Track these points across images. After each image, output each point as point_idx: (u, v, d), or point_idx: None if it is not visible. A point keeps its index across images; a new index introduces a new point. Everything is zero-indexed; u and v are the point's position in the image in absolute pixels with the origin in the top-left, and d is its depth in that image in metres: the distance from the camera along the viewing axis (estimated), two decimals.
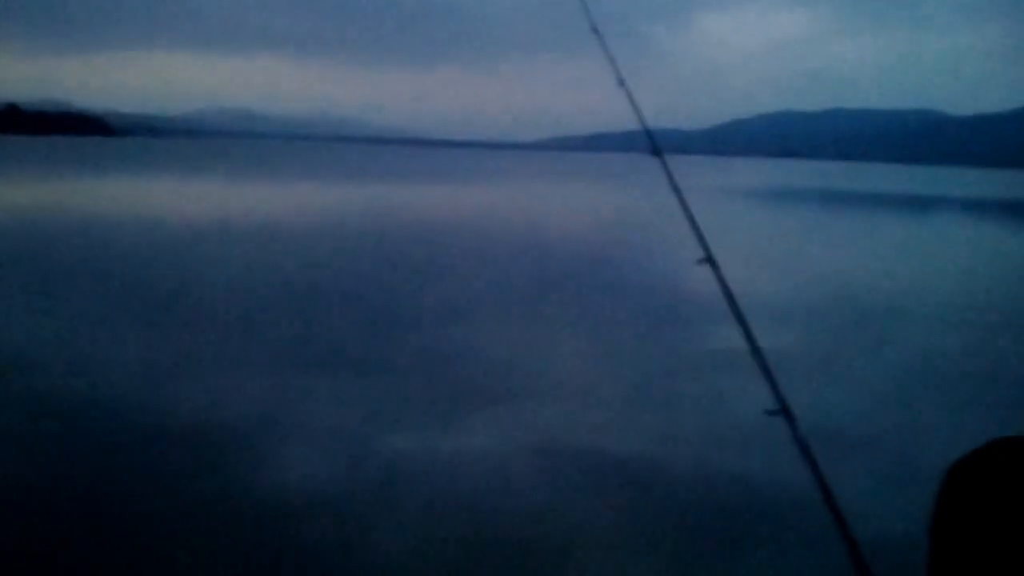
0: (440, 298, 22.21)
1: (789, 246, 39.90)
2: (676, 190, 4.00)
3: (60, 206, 49.35)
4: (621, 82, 4.50)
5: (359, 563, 8.21)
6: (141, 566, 8.05)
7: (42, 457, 10.77)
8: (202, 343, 16.69)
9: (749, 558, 8.41)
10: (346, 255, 30.92)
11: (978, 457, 1.26)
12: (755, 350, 3.24)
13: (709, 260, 3.73)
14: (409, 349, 16.68)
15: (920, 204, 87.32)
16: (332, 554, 8.36)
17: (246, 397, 13.33)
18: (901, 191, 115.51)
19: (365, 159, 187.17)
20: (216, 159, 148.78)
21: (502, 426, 12.37)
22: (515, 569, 8.23)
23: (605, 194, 78.61)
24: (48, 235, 34.51)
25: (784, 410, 2.86)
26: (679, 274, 24.18)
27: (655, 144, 4.14)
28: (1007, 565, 1.15)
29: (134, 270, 25.34)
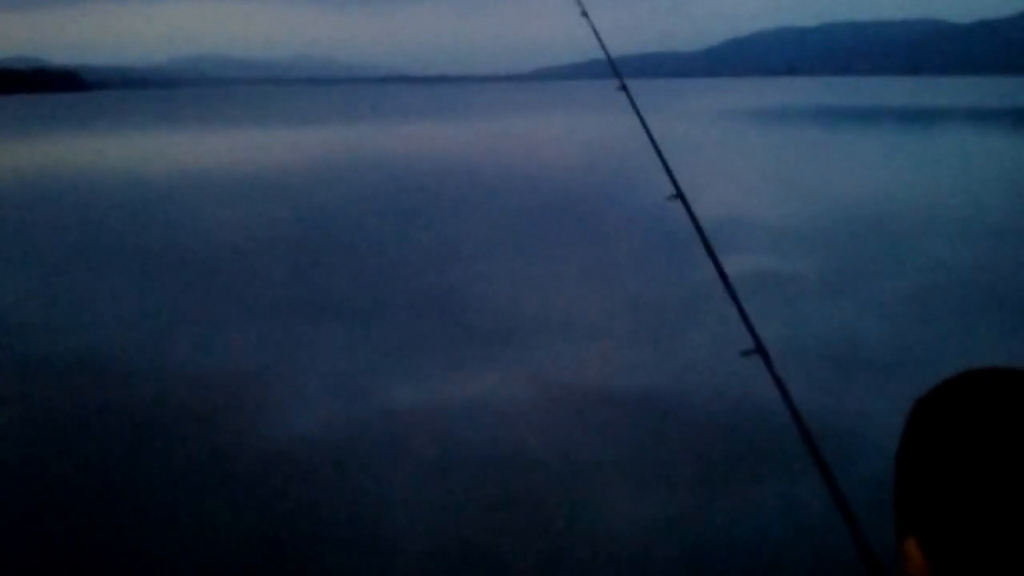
0: (432, 239, 22.04)
1: (791, 166, 39.44)
2: (643, 124, 3.60)
3: (39, 165, 49.16)
4: (584, 13, 4.08)
5: (366, 514, 8.10)
6: (142, 522, 7.97)
7: (37, 415, 10.70)
8: (196, 296, 16.53)
9: (747, 491, 8.20)
10: (335, 199, 30.78)
11: (946, 389, 1.24)
12: (729, 290, 3.25)
13: (679, 196, 3.48)
14: (405, 292, 16.55)
15: (925, 116, 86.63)
16: (338, 505, 8.26)
17: (244, 349, 13.21)
18: (905, 104, 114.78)
19: (345, 99, 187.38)
20: (195, 108, 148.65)
21: (501, 366, 12.23)
22: (522, 509, 8.12)
23: (588, 125, 77.88)
24: (30, 195, 34.37)
25: (759, 349, 2.91)
26: (667, 206, 23.75)
27: (619, 76, 3.73)
28: (970, 499, 1.13)
29: (122, 226, 25.17)
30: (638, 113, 3.75)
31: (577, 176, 36.10)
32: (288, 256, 20.03)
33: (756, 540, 7.56)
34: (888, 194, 28.79)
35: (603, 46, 3.90)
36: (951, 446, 1.17)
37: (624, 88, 3.83)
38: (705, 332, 13.05)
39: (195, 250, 21.03)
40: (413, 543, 7.60)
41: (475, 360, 12.59)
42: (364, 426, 10.23)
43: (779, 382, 2.77)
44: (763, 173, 36.60)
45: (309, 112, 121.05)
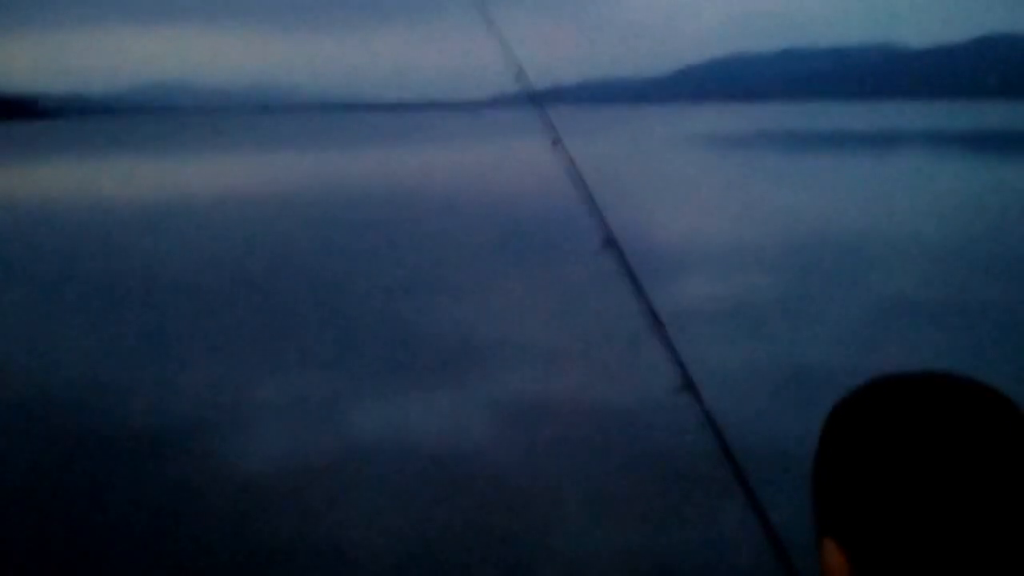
0: (395, 265, 22.14)
1: (748, 192, 39.53)
2: (579, 175, 3.61)
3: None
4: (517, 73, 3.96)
5: (329, 540, 8.15)
6: (108, 551, 8.01)
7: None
8: (157, 325, 16.51)
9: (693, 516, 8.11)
10: (296, 226, 30.78)
11: (861, 394, 1.27)
12: (659, 327, 3.28)
13: (612, 243, 3.50)
14: (368, 319, 16.66)
15: (882, 141, 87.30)
16: (303, 529, 8.31)
17: (206, 375, 13.26)
18: (861, 128, 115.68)
19: (306, 126, 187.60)
20: (153, 136, 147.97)
21: (465, 392, 12.37)
22: (486, 536, 8.21)
23: (545, 153, 78.22)
24: None
25: (690, 386, 2.94)
26: (630, 229, 23.76)
27: (551, 126, 3.69)
28: (884, 499, 1.17)
29: (82, 255, 25.12)
30: (570, 159, 3.60)
31: (534, 203, 35.94)
32: (250, 284, 20.01)
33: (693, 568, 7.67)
34: (845, 219, 28.96)
35: (534, 94, 3.74)
36: (865, 449, 1.20)
37: (560, 145, 3.69)
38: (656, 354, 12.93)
39: (156, 279, 20.95)
40: (377, 566, 7.70)
41: (433, 386, 12.66)
42: (328, 451, 10.28)
43: (709, 418, 2.80)
44: (720, 199, 36.68)
45: (270, 140, 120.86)
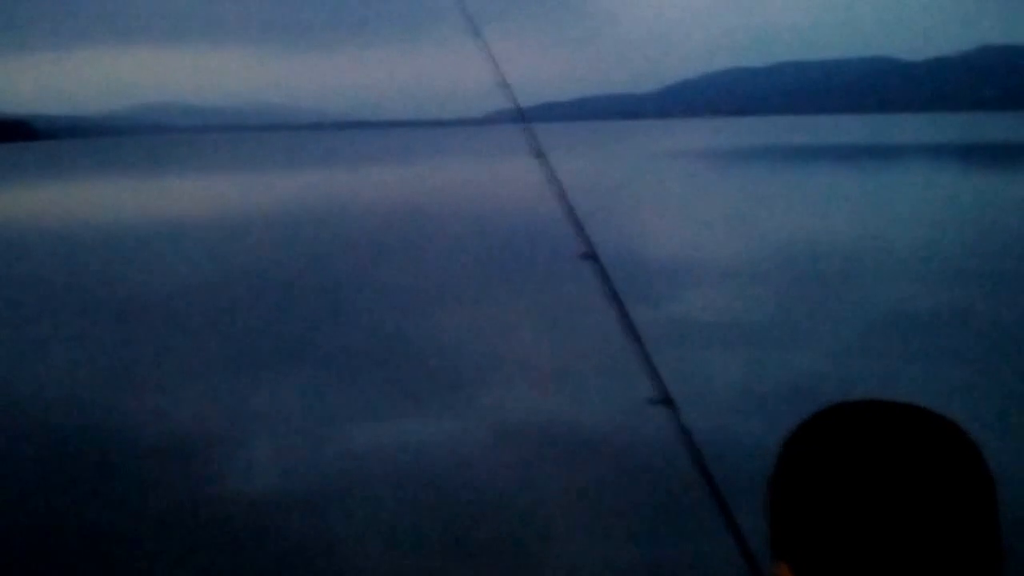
0: (392, 284, 22.03)
1: (742, 206, 39.48)
2: (560, 189, 3.64)
3: None
4: (505, 84, 3.97)
5: (328, 558, 8.13)
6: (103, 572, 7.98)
7: None
8: (153, 345, 16.45)
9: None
10: (294, 246, 30.68)
11: (816, 421, 1.28)
12: (637, 341, 3.28)
13: (591, 256, 3.55)
14: (366, 337, 16.58)
15: (878, 154, 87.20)
16: (300, 549, 8.29)
17: (204, 395, 13.24)
18: (857, 142, 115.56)
19: (303, 145, 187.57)
20: (149, 156, 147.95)
21: (464, 411, 12.29)
22: (485, 554, 8.17)
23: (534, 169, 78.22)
24: None
25: (667, 400, 2.96)
26: (616, 243, 23.73)
27: (536, 142, 3.72)
28: (834, 526, 1.18)
29: (78, 277, 25.06)
30: (556, 181, 3.63)
31: (521, 220, 36.01)
32: (246, 304, 20.00)
33: None
34: (840, 233, 28.85)
35: (522, 113, 3.74)
36: (816, 477, 1.22)
37: (543, 158, 3.73)
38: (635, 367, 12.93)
39: (155, 299, 20.91)
40: None
41: (419, 403, 12.65)
42: (324, 471, 10.26)
43: (686, 432, 2.80)
44: (711, 213, 36.66)
45: (265, 160, 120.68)
